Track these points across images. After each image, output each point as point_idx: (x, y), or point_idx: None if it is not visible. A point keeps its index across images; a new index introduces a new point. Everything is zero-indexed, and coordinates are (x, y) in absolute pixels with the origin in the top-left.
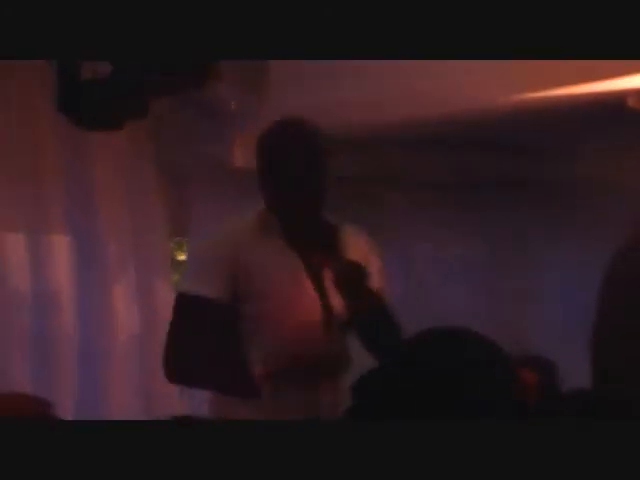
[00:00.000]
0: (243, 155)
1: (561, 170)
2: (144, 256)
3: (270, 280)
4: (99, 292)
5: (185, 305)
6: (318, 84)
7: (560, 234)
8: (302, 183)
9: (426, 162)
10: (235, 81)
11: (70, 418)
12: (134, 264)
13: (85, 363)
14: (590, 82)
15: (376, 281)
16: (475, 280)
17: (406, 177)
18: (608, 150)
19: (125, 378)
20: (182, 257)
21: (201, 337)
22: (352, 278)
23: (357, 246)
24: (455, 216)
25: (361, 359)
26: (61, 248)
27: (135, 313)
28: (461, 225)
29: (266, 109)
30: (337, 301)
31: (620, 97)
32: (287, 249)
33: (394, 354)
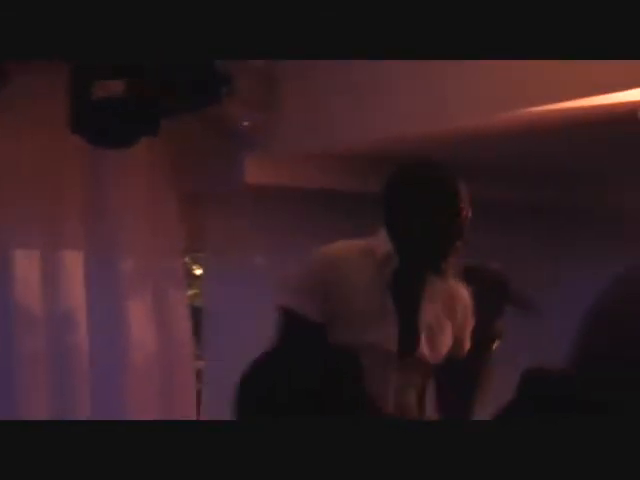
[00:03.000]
0: (254, 171)
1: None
2: (160, 271)
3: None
4: (114, 308)
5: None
6: (329, 101)
7: None
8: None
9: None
10: (247, 99)
11: None
12: (150, 279)
13: (99, 380)
14: None
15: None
16: None
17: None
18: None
19: (140, 396)
20: (198, 271)
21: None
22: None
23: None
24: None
25: None
26: (76, 264)
27: (151, 328)
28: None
29: (276, 126)
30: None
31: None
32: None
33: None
